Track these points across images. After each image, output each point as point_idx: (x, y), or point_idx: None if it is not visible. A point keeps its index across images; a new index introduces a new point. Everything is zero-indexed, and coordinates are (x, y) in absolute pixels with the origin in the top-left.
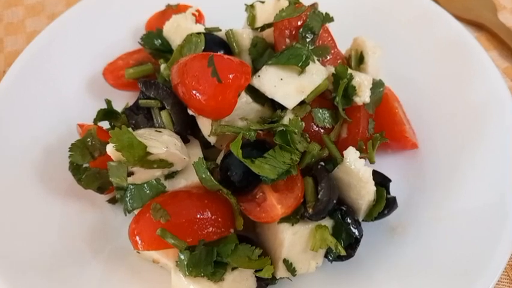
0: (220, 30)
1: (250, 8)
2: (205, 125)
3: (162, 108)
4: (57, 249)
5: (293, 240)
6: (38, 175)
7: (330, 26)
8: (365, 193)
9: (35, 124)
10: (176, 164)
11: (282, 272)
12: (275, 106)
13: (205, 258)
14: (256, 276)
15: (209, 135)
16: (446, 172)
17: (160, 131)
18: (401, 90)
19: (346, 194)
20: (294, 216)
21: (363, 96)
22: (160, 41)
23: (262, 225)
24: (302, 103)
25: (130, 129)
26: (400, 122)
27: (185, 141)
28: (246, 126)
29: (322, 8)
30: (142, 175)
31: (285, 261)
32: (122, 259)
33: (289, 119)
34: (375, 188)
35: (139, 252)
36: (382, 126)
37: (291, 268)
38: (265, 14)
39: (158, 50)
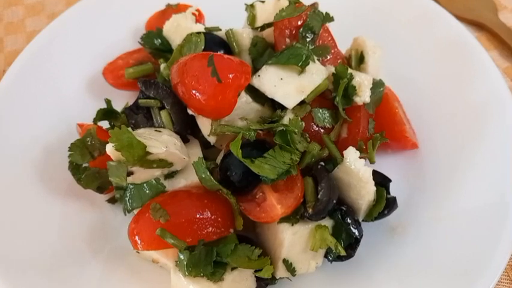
0: (220, 29)
1: (250, 7)
2: (204, 125)
3: (162, 107)
4: (57, 249)
5: (293, 240)
6: (38, 174)
7: (330, 25)
8: (365, 193)
9: (35, 123)
10: (176, 163)
11: (281, 272)
12: (275, 106)
13: (205, 258)
14: (255, 276)
15: (209, 135)
16: (446, 172)
17: (159, 131)
18: (401, 90)
19: (346, 194)
20: (294, 216)
21: (364, 96)
22: (160, 40)
23: (262, 225)
24: (302, 103)
25: (129, 128)
26: (400, 122)
27: (185, 141)
28: (246, 126)
29: (322, 8)
30: (141, 175)
31: (285, 261)
32: (122, 259)
33: (289, 118)
34: (375, 188)
35: (138, 252)
36: (382, 126)
37: (290, 268)
38: (265, 13)
39: (158, 49)
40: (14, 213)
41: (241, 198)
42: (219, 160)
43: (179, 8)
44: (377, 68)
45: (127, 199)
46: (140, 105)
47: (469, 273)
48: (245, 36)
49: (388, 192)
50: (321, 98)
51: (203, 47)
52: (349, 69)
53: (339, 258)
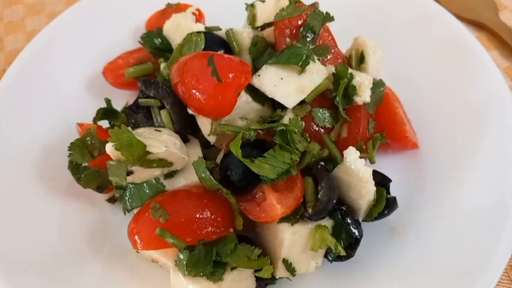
0: (221, 29)
1: (251, 7)
2: (204, 124)
3: (162, 107)
4: (57, 248)
5: (293, 240)
6: (38, 174)
7: (330, 25)
8: (365, 193)
9: (35, 123)
10: (176, 163)
11: (281, 272)
12: (275, 105)
13: (205, 257)
14: (255, 276)
15: (209, 135)
16: (447, 172)
17: (159, 130)
18: (401, 90)
19: (346, 194)
20: (294, 216)
21: (364, 95)
22: (160, 40)
23: (261, 225)
24: (302, 102)
25: (129, 128)
26: (401, 121)
27: (185, 140)
28: (246, 126)
29: (322, 8)
30: (141, 174)
31: (285, 261)
32: (122, 258)
33: (289, 118)
34: (375, 188)
35: (138, 252)
36: (382, 126)
37: (290, 268)
38: (265, 13)
39: (159, 49)
40: (13, 213)
41: (241, 197)
42: (218, 160)
43: (180, 8)
44: (377, 67)
45: (126, 198)
46: (140, 104)
47: (469, 273)
48: (245, 35)
49: (388, 192)
50: (322, 97)
51: (203, 47)
52: (349, 69)
53: (339, 258)
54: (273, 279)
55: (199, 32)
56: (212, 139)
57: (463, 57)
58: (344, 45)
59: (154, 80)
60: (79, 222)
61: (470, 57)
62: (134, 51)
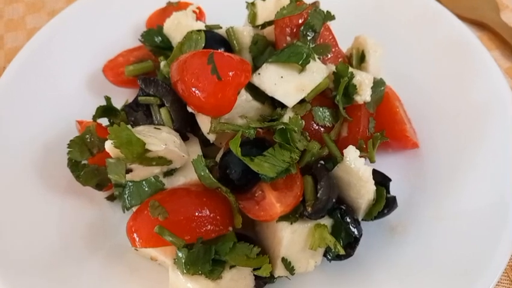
0: (221, 27)
1: (251, 5)
2: (204, 123)
3: (161, 105)
4: (56, 246)
5: (292, 239)
6: (37, 171)
7: (331, 24)
8: (364, 192)
9: (35, 120)
10: (175, 161)
11: (280, 270)
12: (275, 104)
13: (203, 256)
14: (254, 275)
15: (208, 133)
16: (447, 172)
17: (159, 128)
18: (402, 89)
19: (346, 193)
20: (293, 215)
21: (364, 95)
22: (160, 38)
23: (261, 223)
24: (302, 101)
25: (129, 126)
26: (401, 121)
27: (185, 138)
28: (246, 124)
29: (323, 6)
30: (140, 172)
31: (284, 259)
32: (121, 256)
33: (289, 117)
34: (375, 187)
35: (137, 250)
36: (383, 125)
37: (289, 267)
38: (266, 11)
39: (159, 47)
40: (12, 211)
41: (240, 196)
42: (218, 158)
43: (180, 6)
44: (378, 67)
45: (125, 196)
46: (140, 102)
47: (469, 273)
48: (246, 34)
49: (388, 192)
50: (322, 96)
51: (203, 45)
52: (350, 68)
53: (338, 257)
54: (271, 278)
55: (199, 30)
56: (212, 137)
57: (464, 57)
58: (344, 44)
59: (154, 78)
60: (78, 220)
61: (471, 57)
62: (135, 49)
